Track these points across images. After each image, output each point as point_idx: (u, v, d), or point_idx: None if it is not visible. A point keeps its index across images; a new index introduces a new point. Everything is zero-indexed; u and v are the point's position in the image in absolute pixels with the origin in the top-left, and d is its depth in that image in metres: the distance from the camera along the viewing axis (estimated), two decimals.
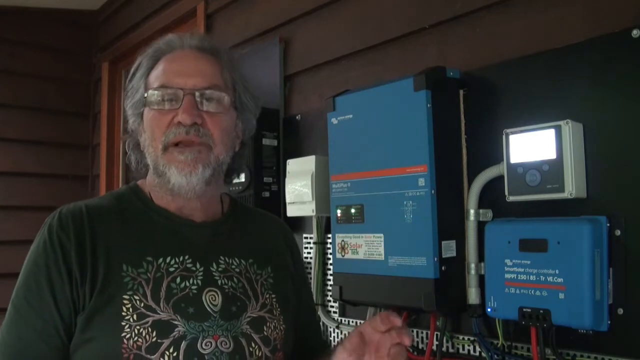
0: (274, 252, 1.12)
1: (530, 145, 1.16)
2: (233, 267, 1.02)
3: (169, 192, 0.99)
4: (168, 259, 0.96)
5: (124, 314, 0.89)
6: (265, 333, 0.98)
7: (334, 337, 1.70)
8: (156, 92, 0.97)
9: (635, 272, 1.08)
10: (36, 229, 0.96)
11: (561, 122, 1.13)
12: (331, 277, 1.63)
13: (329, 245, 1.68)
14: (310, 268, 1.75)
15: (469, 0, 1.39)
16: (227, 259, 1.02)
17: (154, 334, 0.89)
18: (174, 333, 0.90)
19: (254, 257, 1.06)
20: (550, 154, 1.13)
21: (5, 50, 3.04)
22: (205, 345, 0.91)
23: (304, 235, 1.81)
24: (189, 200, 0.99)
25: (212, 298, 0.96)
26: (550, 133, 1.13)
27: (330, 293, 1.67)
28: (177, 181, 0.96)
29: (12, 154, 3.05)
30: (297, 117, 1.88)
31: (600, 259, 1.08)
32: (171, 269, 0.95)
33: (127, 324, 0.88)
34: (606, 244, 1.10)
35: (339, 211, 1.45)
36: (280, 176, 1.87)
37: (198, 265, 0.98)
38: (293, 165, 1.74)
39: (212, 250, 1.02)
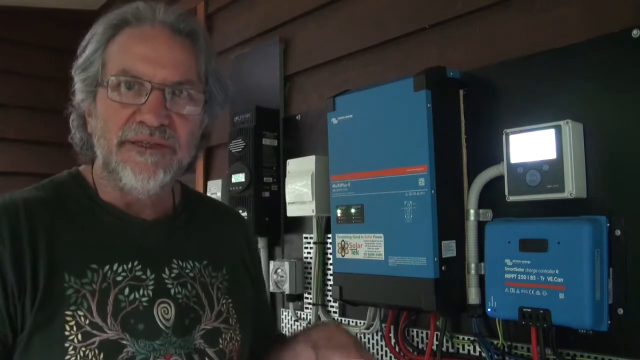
0: (231, 251, 1.02)
1: (530, 145, 1.16)
2: (187, 271, 0.91)
3: (117, 188, 0.86)
4: (115, 267, 0.84)
5: (67, 333, 0.78)
6: (220, 346, 0.90)
7: None
8: (116, 78, 0.82)
9: (635, 272, 1.08)
10: None
11: (561, 122, 1.13)
12: (331, 277, 1.63)
13: (329, 245, 1.68)
14: (310, 268, 1.75)
15: (469, 0, 1.39)
16: (180, 262, 0.91)
17: (101, 356, 0.78)
18: (122, 354, 0.80)
19: (209, 258, 0.95)
20: (550, 154, 1.13)
21: (5, 50, 3.03)
22: None
23: (304, 235, 1.81)
24: (140, 197, 0.87)
25: (164, 311, 0.85)
26: (550, 133, 1.13)
27: (330, 293, 1.67)
28: (130, 183, 0.84)
29: (12, 154, 3.05)
30: (297, 117, 1.88)
31: (600, 259, 1.08)
32: (119, 278, 0.84)
33: (71, 345, 0.77)
34: (606, 244, 1.10)
35: (339, 211, 1.45)
36: (280, 176, 1.87)
37: (149, 273, 0.87)
38: (293, 165, 1.74)
39: (165, 253, 0.91)
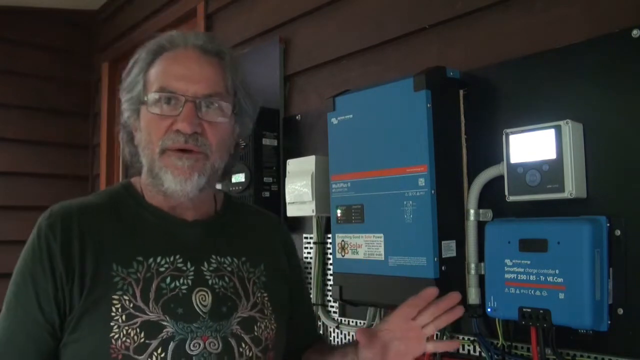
0: (267, 250, 1.11)
1: (530, 145, 1.16)
2: (225, 266, 1.01)
3: (161, 193, 0.98)
4: (159, 259, 0.95)
5: (113, 314, 0.89)
6: (255, 333, 0.98)
7: (333, 337, 1.70)
8: (156, 95, 0.95)
9: (635, 272, 1.08)
10: None
11: (561, 122, 1.13)
12: (331, 277, 1.63)
13: (329, 245, 1.68)
14: (310, 268, 1.75)
15: (469, 0, 1.39)
16: (219, 257, 1.01)
17: (142, 334, 0.88)
18: (162, 334, 0.90)
19: (247, 256, 1.05)
20: (550, 154, 1.13)
21: (5, 50, 3.04)
22: (194, 346, 0.91)
23: (304, 235, 1.81)
24: (182, 200, 0.99)
25: (202, 298, 0.95)
26: (550, 133, 1.13)
27: (330, 293, 1.67)
28: (170, 186, 0.95)
29: (12, 154, 3.05)
30: (297, 117, 1.88)
31: (600, 259, 1.08)
32: (161, 269, 0.95)
33: (115, 324, 0.88)
34: (606, 244, 1.10)
35: (339, 211, 1.45)
36: (280, 176, 1.87)
37: (189, 265, 0.97)
38: (293, 165, 1.74)
39: (204, 249, 1.01)
